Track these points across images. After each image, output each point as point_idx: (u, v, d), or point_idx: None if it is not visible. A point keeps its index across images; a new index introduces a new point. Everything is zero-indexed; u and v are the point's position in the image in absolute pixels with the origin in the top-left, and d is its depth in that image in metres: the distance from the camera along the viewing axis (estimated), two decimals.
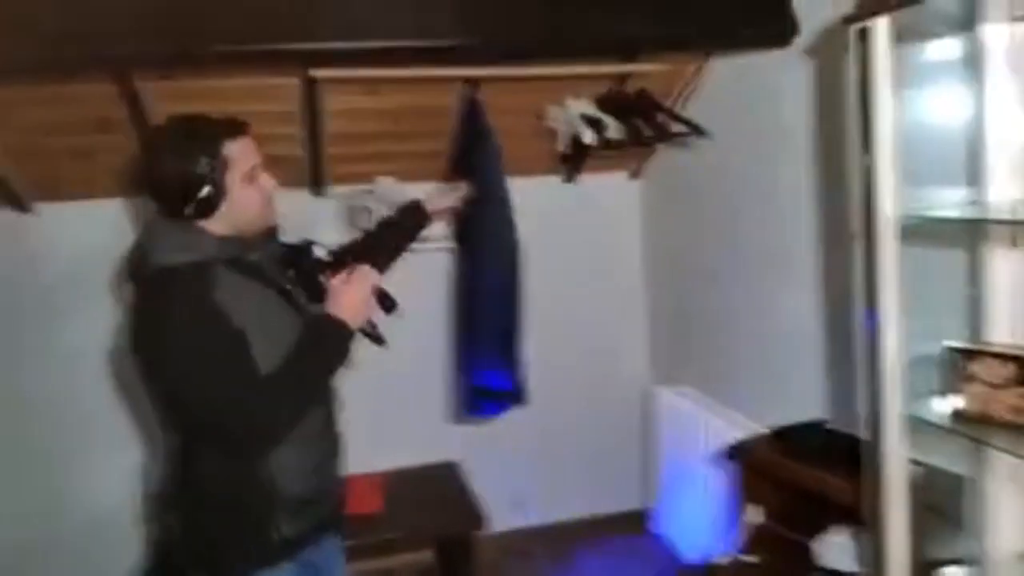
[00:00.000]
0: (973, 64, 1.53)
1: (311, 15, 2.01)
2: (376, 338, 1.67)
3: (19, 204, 2.74)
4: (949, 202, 1.55)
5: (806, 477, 1.90)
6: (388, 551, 2.94)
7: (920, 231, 1.50)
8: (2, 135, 2.42)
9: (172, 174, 1.48)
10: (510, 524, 3.22)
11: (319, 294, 1.63)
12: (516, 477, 3.30)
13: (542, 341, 2.77)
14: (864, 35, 1.43)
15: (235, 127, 1.54)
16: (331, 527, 1.72)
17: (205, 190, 1.48)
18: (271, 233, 1.69)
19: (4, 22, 1.86)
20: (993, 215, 1.50)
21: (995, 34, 1.49)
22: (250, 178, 1.54)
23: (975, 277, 1.57)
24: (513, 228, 2.54)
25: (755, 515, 2.03)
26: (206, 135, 1.51)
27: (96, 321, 2.75)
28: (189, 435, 1.56)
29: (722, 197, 2.78)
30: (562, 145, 2.67)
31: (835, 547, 1.82)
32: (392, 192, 2.88)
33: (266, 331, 1.49)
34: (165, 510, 1.63)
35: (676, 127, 2.62)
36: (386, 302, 1.66)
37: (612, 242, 3.40)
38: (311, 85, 2.42)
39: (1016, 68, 1.48)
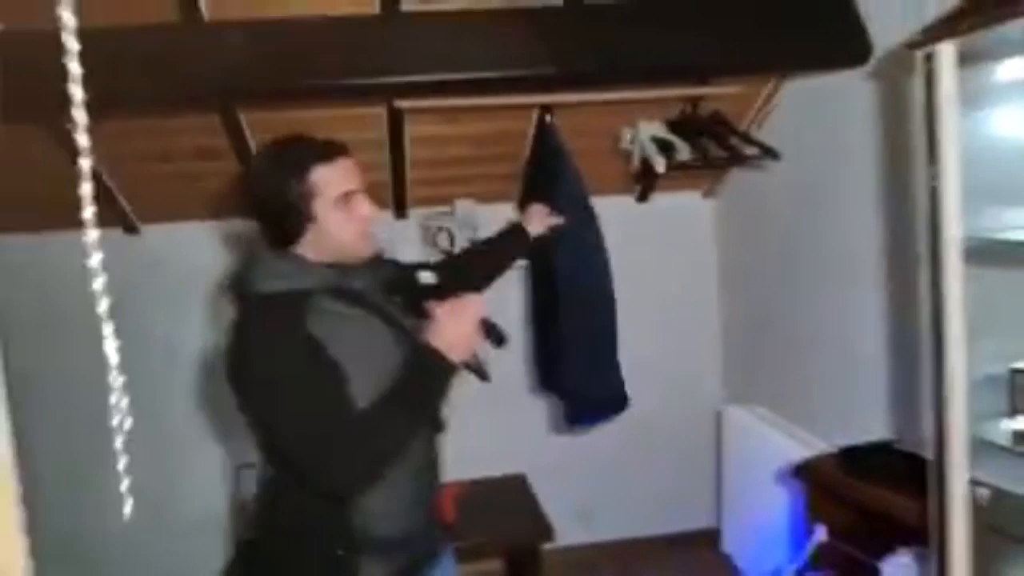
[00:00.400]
0: None
1: (396, 51, 2.16)
2: (480, 372, 1.52)
3: (128, 225, 2.98)
4: (1020, 223, 1.56)
5: (872, 497, 1.91)
6: (458, 560, 3.03)
7: (989, 252, 1.51)
8: (117, 162, 2.65)
9: (263, 198, 1.44)
10: (578, 539, 3.27)
11: (423, 322, 1.50)
12: (586, 492, 3.35)
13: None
14: (929, 59, 1.47)
15: (328, 150, 1.46)
16: (425, 565, 1.58)
17: (292, 215, 1.42)
18: (376, 259, 1.59)
19: (124, 61, 2.06)
20: None
21: None
22: (343, 204, 1.44)
23: None
24: (601, 239, 2.60)
25: (821, 533, 2.04)
26: (295, 159, 1.43)
27: (192, 336, 2.96)
28: (279, 466, 1.49)
29: (794, 217, 2.80)
30: (635, 166, 2.74)
31: (901, 568, 1.81)
32: (470, 213, 3.01)
33: (367, 361, 1.40)
34: (259, 541, 1.55)
35: (748, 150, 2.66)
36: (493, 334, 1.50)
37: (686, 261, 3.43)
38: (396, 114, 2.56)
39: None
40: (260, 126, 2.53)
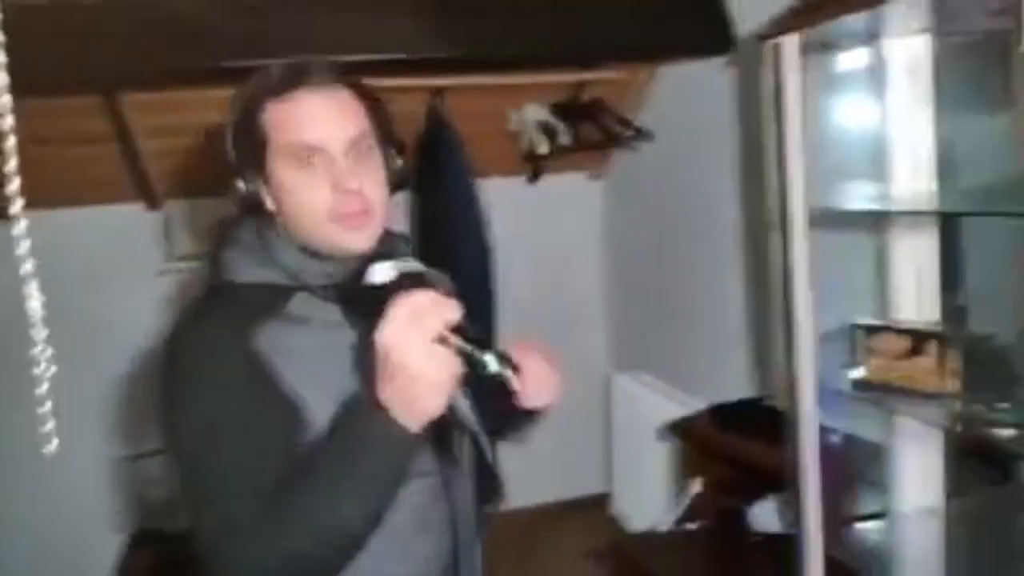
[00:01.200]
0: (877, 73, 1.73)
1: (286, 33, 2.17)
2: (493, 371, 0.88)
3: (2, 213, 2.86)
4: (860, 195, 1.75)
5: (741, 449, 2.08)
6: None
7: (835, 221, 1.69)
8: None
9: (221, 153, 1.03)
10: None
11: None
12: None
13: (505, 335, 2.90)
14: (777, 49, 1.62)
15: (292, 75, 0.98)
16: None
17: (239, 179, 1.01)
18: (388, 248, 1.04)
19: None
20: (895, 207, 1.71)
21: (896, 47, 1.69)
22: (302, 159, 0.97)
23: (881, 261, 1.76)
24: (485, 226, 2.69)
25: (696, 486, 2.21)
26: (251, 91, 1.01)
27: (71, 329, 2.86)
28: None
29: (669, 195, 2.98)
30: (523, 148, 2.84)
31: (765, 512, 2.00)
32: None
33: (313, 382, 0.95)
34: None
35: (625, 132, 2.81)
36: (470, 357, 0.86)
37: (573, 240, 3.57)
38: None
39: (914, 77, 1.68)
40: (143, 108, 2.49)
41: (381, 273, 0.94)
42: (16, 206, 0.60)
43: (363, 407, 0.86)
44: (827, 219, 1.64)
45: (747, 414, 2.19)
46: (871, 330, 1.62)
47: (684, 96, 2.80)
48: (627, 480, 3.15)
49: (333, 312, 1.00)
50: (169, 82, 2.30)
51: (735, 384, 2.53)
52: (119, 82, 2.30)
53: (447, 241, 2.64)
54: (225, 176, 1.02)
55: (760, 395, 2.36)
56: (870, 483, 1.87)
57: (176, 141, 2.61)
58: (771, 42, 1.62)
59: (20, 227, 0.58)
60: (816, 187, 1.61)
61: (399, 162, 1.09)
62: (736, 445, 2.10)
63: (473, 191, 2.70)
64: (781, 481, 1.98)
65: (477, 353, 0.85)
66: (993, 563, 1.64)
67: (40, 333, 0.58)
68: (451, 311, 0.84)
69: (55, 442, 0.57)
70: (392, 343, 0.81)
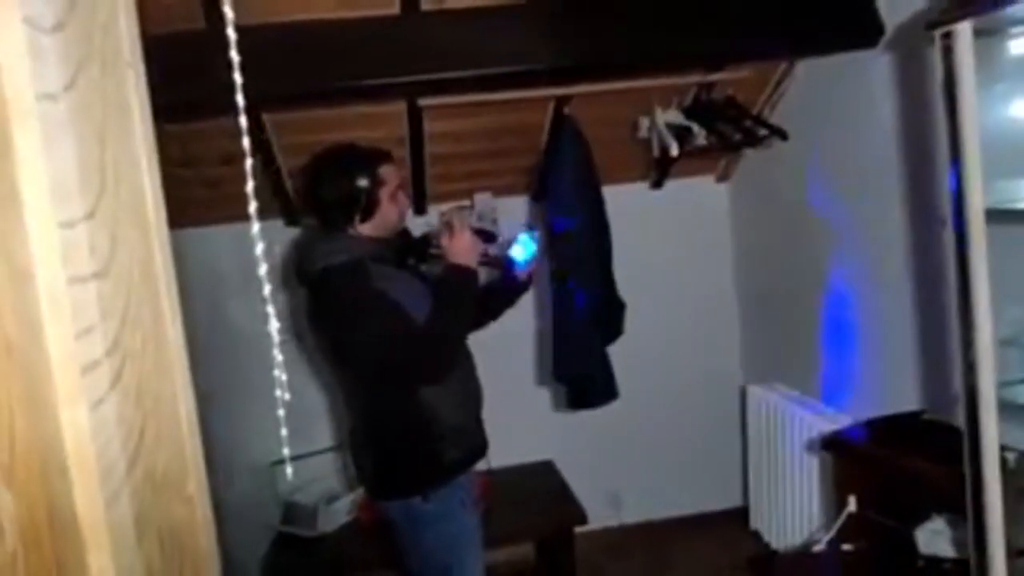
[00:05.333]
0: None
1: (416, 49, 2.20)
2: (495, 264, 2.16)
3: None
4: None
5: (902, 466, 1.95)
6: (489, 546, 3.07)
7: (1007, 219, 1.55)
8: None
9: (340, 191, 1.92)
10: (607, 522, 3.32)
11: (436, 259, 2.04)
12: (613, 476, 3.40)
13: (638, 342, 2.83)
14: (947, 37, 1.50)
15: (386, 154, 1.99)
16: (478, 456, 2.07)
17: (365, 202, 1.92)
18: (401, 236, 2.10)
19: (149, 70, 2.10)
20: None
21: None
22: (394, 195, 1.97)
23: None
24: (607, 232, 2.65)
25: (851, 504, 2.08)
26: (366, 159, 1.94)
27: (221, 333, 3.00)
28: (374, 389, 1.96)
29: (811, 195, 2.83)
30: (655, 153, 2.77)
31: (933, 534, 1.86)
32: (488, 206, 3.06)
33: (411, 303, 1.88)
34: (358, 455, 2.05)
35: (760, 131, 2.69)
36: (485, 235, 2.08)
37: (702, 244, 3.48)
38: (414, 110, 2.61)
39: None
40: (284, 128, 2.58)
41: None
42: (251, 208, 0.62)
43: (448, 269, 1.95)
44: (998, 218, 1.51)
45: (907, 428, 2.06)
46: None
47: (824, 89, 2.65)
48: (766, 495, 3.02)
49: (389, 266, 1.95)
50: (310, 102, 2.37)
51: (882, 396, 2.39)
52: (261, 103, 2.38)
53: (573, 240, 2.61)
54: (336, 204, 1.96)
55: (919, 408, 2.21)
56: None
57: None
58: (941, 30, 1.51)
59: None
60: (987, 183, 1.49)
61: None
62: (896, 461, 1.97)
63: (599, 196, 2.65)
64: (947, 501, 1.85)
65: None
66: None
67: (276, 338, 0.60)
68: (466, 220, 2.09)
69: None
70: (453, 240, 1.95)
